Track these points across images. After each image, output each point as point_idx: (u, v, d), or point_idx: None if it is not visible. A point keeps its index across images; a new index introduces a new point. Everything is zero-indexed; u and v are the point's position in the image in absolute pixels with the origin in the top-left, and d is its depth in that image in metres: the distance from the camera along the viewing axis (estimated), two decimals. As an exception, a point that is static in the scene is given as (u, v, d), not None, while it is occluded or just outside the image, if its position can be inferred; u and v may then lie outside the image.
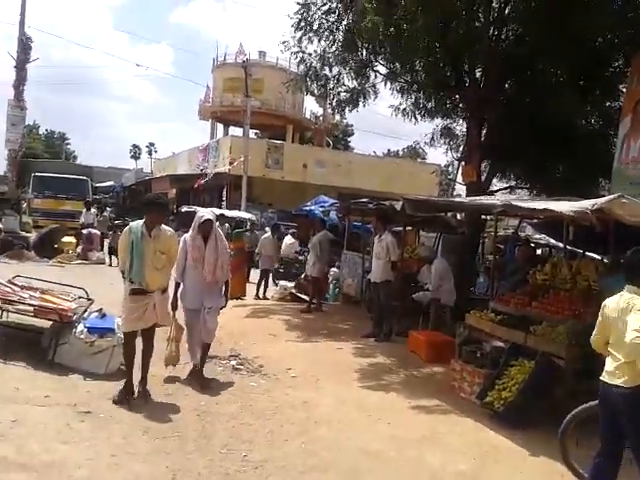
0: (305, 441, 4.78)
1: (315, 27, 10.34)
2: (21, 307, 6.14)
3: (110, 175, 42.85)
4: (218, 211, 19.58)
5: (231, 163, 25.69)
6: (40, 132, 76.54)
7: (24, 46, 19.69)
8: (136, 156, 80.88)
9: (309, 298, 11.41)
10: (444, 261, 9.36)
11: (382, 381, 6.67)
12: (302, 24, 10.34)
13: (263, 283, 13.02)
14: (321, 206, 15.93)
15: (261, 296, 12.82)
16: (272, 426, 5.06)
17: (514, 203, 6.43)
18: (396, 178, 27.65)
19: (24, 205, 22.38)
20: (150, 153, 75.52)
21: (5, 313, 6.42)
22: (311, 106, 37.94)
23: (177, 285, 6.04)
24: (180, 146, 69.61)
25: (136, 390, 5.32)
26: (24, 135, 20.48)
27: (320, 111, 36.34)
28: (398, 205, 8.91)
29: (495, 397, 5.62)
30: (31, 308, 6.08)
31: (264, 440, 4.74)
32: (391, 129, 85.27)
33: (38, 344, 6.01)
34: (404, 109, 11.43)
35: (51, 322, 6.08)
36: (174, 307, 5.92)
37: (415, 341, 8.09)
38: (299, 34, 10.45)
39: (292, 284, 13.17)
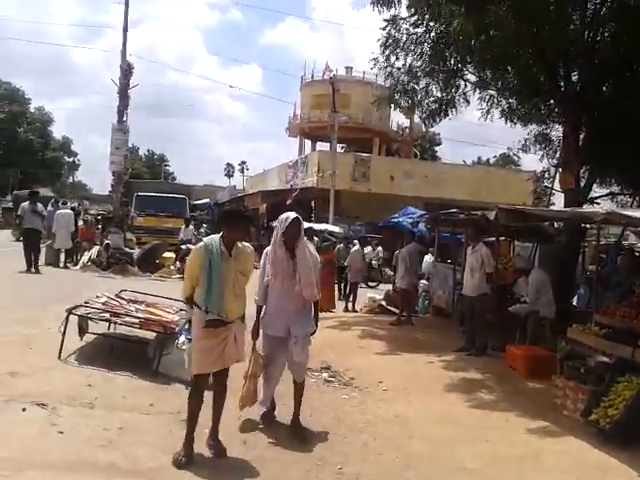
0: (400, 456, 4.72)
1: (402, 43, 10.35)
2: (128, 319, 6.49)
3: (206, 193, 44.78)
4: (306, 224, 19.94)
5: (320, 172, 26.11)
6: (141, 153, 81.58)
7: (126, 73, 20.97)
8: (229, 174, 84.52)
9: (399, 310, 11.32)
10: (542, 272, 8.98)
11: (478, 397, 6.47)
12: (389, 41, 10.40)
13: (352, 295, 13.08)
14: (409, 217, 15.81)
15: (350, 308, 12.86)
16: (365, 439, 5.05)
17: (619, 212, 6.09)
18: (487, 187, 26.95)
19: (128, 223, 23.76)
20: (242, 171, 78.62)
21: (113, 325, 6.88)
22: (397, 118, 37.88)
23: (259, 309, 4.98)
24: (270, 163, 71.62)
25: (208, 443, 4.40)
26: (127, 157, 21.79)
27: (407, 122, 36.20)
28: (491, 215, 8.68)
29: (601, 415, 5.31)
30: (137, 320, 6.41)
31: (358, 453, 4.73)
32: (481, 137, 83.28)
33: (143, 355, 6.31)
34: (502, 110, 11.16)
35: (155, 333, 6.36)
36: (255, 336, 4.97)
37: (513, 356, 7.79)
38: (387, 51, 10.51)
39: (381, 296, 13.13)
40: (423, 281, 13.06)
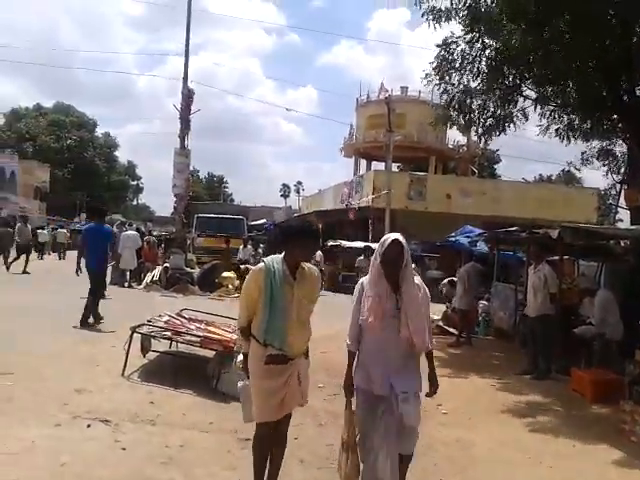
0: (461, 481, 4.60)
1: (457, 64, 10.28)
2: (188, 338, 6.63)
3: (263, 213, 45.61)
4: (362, 244, 19.90)
5: (375, 191, 26.16)
6: (201, 176, 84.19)
7: (187, 99, 21.65)
8: (285, 194, 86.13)
9: (457, 332, 11.09)
10: (608, 292, 8.64)
11: (541, 421, 6.25)
12: (443, 63, 10.36)
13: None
14: (467, 236, 15.53)
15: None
16: (425, 464, 4.92)
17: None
18: (549, 204, 26.19)
19: (188, 243, 24.39)
20: (298, 191, 79.96)
21: (174, 344, 7.06)
22: (454, 135, 37.55)
23: (352, 356, 3.79)
24: (325, 183, 72.41)
25: None
26: (189, 180, 22.45)
27: (463, 140, 35.82)
28: (554, 233, 8.46)
29: (674, 443, 5.03)
30: (197, 339, 6.53)
31: (418, 477, 4.63)
32: (541, 153, 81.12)
33: (203, 373, 6.44)
34: (557, 129, 10.90)
35: (214, 352, 6.46)
36: (349, 392, 3.78)
37: (578, 379, 7.50)
38: (440, 72, 10.47)
39: (438, 316, 12.90)
40: (483, 301, 12.78)
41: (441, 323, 12.46)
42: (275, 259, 3.71)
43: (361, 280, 3.90)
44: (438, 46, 10.34)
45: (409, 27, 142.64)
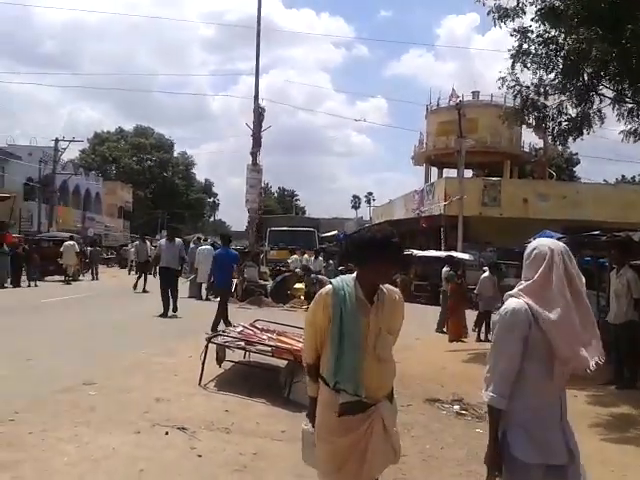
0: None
1: (532, 56, 10.00)
2: (261, 348, 6.77)
3: (334, 225, 45.96)
4: (443, 253, 19.59)
5: (447, 199, 25.77)
6: (273, 190, 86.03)
7: (258, 116, 22.20)
8: (356, 206, 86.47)
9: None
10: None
11: (626, 433, 5.96)
12: (519, 54, 10.10)
13: (484, 325, 12.57)
14: (546, 242, 15.00)
15: (483, 338, 12.36)
16: (503, 476, 4.79)
17: None
18: (632, 206, 24.85)
19: (262, 256, 24.88)
20: (369, 202, 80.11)
21: (247, 354, 7.22)
22: (529, 138, 36.41)
23: (497, 415, 2.53)
24: (396, 192, 71.98)
25: None
26: (261, 194, 22.97)
27: (540, 143, 34.69)
28: (636, 235, 8.05)
29: None
30: (269, 349, 6.66)
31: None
32: (623, 153, 76.80)
33: (276, 382, 6.52)
34: (635, 130, 10.35)
35: (286, 361, 6.56)
36: (495, 467, 2.53)
37: (667, 390, 7.07)
38: (516, 65, 10.21)
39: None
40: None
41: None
42: (346, 280, 2.92)
43: (516, 306, 2.54)
44: (515, 31, 10.06)
45: (479, 32, 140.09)
